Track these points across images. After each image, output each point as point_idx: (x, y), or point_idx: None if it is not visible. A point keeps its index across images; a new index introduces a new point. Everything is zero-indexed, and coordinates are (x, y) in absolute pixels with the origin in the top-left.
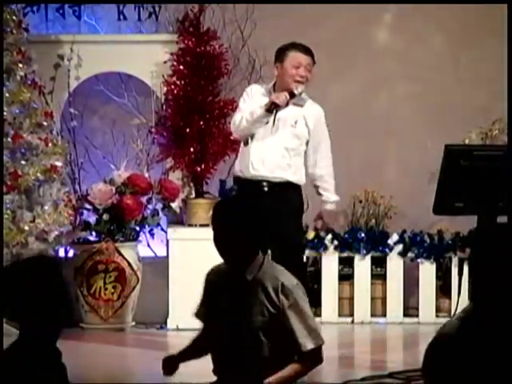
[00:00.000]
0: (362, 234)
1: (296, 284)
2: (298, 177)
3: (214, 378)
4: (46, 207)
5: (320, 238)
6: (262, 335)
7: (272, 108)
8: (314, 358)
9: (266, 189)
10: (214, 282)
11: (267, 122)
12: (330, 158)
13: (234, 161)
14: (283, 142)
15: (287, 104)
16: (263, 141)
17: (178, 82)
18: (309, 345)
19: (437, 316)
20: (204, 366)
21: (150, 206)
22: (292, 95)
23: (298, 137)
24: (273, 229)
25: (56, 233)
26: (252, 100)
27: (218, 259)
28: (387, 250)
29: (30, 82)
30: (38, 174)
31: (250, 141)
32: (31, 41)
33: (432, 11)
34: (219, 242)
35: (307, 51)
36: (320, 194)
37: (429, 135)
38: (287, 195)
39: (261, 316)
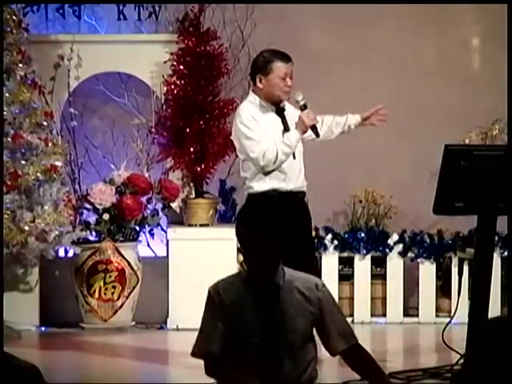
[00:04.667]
0: (362, 234)
1: (323, 283)
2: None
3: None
4: (46, 207)
5: (320, 238)
6: (309, 336)
7: (308, 129)
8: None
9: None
10: (233, 296)
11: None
12: None
13: (234, 160)
14: (300, 148)
15: (283, 111)
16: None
17: (178, 82)
18: (347, 343)
19: (437, 316)
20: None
21: (149, 206)
22: (305, 107)
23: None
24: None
25: (56, 233)
26: (259, 125)
27: (217, 259)
28: (387, 250)
29: (30, 82)
30: (38, 174)
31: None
32: (31, 41)
33: (433, 11)
34: (255, 248)
35: (289, 59)
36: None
37: (429, 135)
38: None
39: (303, 317)
